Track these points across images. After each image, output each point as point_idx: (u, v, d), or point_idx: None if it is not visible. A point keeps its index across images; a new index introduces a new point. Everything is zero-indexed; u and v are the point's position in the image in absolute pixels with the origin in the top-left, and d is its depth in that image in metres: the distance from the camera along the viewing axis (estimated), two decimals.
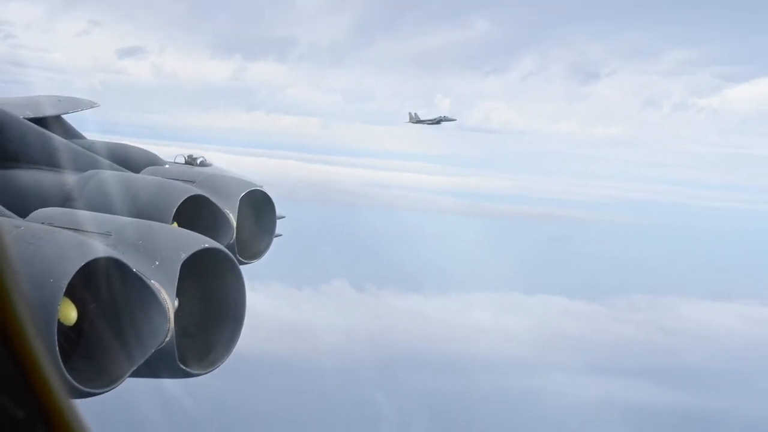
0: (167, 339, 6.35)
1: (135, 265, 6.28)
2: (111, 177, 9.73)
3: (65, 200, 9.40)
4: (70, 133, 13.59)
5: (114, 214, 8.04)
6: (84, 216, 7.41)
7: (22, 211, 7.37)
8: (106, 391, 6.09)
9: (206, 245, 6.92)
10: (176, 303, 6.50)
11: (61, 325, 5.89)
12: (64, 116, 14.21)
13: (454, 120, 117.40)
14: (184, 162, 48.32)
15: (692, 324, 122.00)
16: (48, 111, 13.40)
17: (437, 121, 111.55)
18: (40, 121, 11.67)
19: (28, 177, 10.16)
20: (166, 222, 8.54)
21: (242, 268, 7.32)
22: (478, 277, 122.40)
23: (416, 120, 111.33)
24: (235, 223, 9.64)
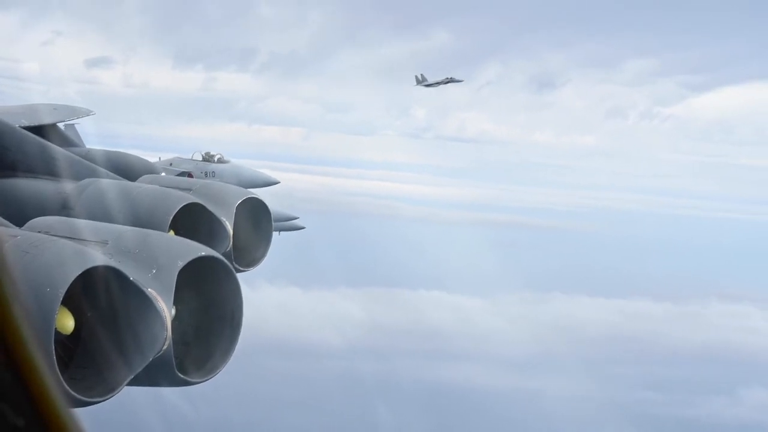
0: (165, 347, 6.35)
1: (132, 274, 6.29)
2: (108, 185, 9.73)
3: (62, 209, 9.40)
4: (66, 141, 13.59)
5: (111, 222, 8.04)
6: (81, 224, 7.42)
7: (19, 220, 7.38)
8: (104, 400, 6.09)
9: (203, 253, 6.92)
10: (173, 311, 6.51)
11: (58, 334, 5.89)
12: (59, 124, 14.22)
13: (461, 81, 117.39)
14: (201, 159, 48.85)
15: (564, 318, 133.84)
16: (44, 119, 13.39)
17: (444, 82, 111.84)
18: (37, 130, 11.66)
19: (24, 186, 10.16)
20: (163, 230, 8.54)
21: (239, 275, 7.33)
22: (424, 279, 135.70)
23: (424, 83, 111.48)
24: (231, 231, 9.64)
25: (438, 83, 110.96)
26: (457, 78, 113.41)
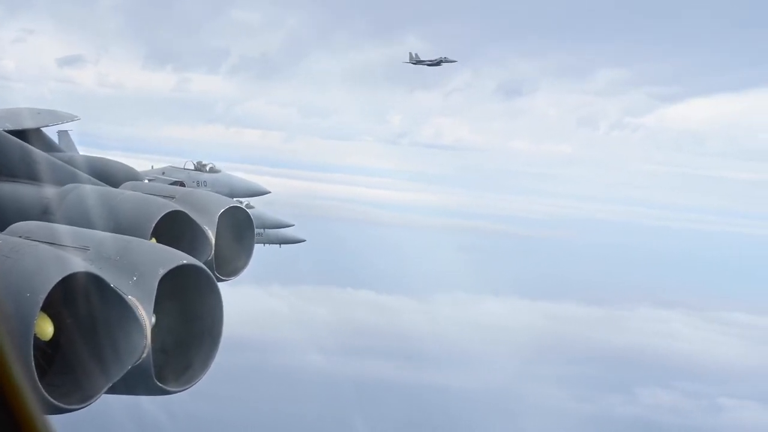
0: (144, 355, 6.32)
1: (112, 281, 6.26)
2: (90, 191, 9.68)
3: (43, 214, 9.35)
4: (49, 146, 13.54)
5: (92, 228, 8.01)
6: (62, 230, 7.38)
7: (0, 225, 7.33)
8: (82, 408, 6.06)
9: (184, 261, 6.90)
10: (153, 319, 6.49)
11: (37, 340, 5.86)
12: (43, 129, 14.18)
13: (455, 61, 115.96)
14: (193, 168, 49.10)
15: (487, 318, 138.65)
16: (27, 123, 13.36)
17: (437, 62, 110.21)
18: (20, 134, 11.61)
19: (6, 190, 10.10)
20: (145, 237, 8.51)
21: (220, 284, 7.31)
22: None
23: (416, 61, 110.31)
24: (213, 240, 9.61)
25: (431, 62, 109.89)
26: (450, 58, 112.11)
